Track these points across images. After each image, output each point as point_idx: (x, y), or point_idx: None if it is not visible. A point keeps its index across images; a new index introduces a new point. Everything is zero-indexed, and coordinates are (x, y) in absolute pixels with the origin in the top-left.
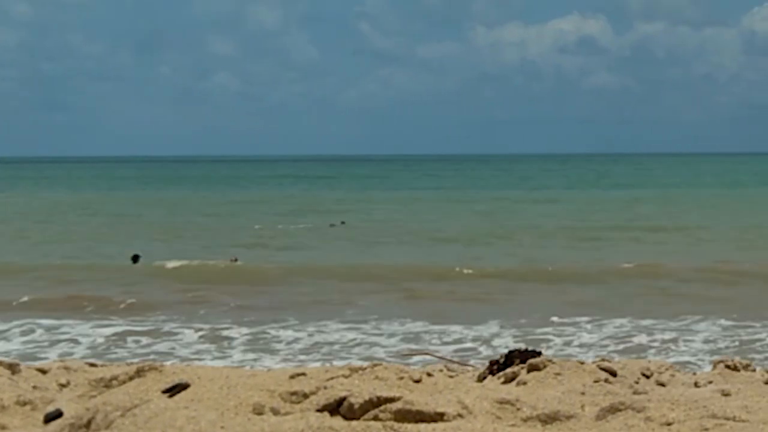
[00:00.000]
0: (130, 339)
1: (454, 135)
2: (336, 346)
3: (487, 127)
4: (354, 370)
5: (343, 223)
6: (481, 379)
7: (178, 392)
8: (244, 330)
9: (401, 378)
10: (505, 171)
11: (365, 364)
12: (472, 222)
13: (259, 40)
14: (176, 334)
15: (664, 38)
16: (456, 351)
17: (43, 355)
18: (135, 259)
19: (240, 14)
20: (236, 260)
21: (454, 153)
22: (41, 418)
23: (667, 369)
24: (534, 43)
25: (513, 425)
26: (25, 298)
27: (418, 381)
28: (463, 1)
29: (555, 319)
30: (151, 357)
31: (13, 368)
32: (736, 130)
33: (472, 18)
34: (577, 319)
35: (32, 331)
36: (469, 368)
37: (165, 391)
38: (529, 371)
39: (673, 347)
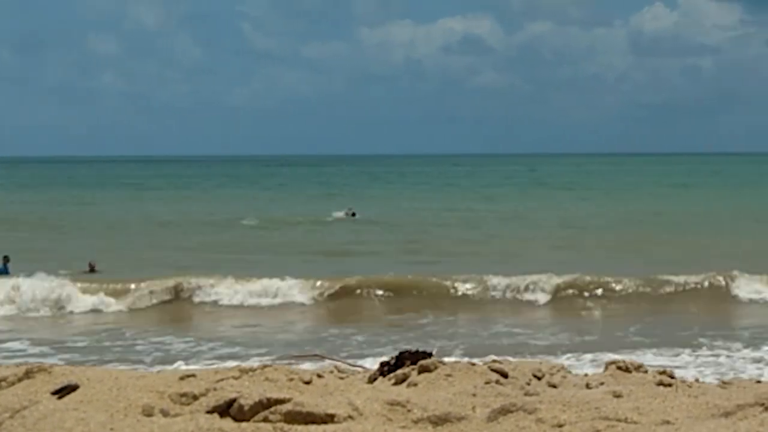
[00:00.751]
0: None
1: (342, 135)
2: None
3: (375, 127)
4: (244, 371)
5: (354, 214)
6: (371, 380)
7: (68, 394)
8: None
9: (291, 379)
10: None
11: (255, 365)
12: None
13: (142, 40)
14: None
15: (552, 38)
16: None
17: None
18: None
19: (122, 13)
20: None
21: (342, 153)
22: None
23: (558, 370)
24: (421, 42)
25: (404, 427)
26: None
27: (308, 382)
28: (347, 1)
29: None
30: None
31: None
32: (625, 130)
33: (357, 18)
34: None
35: None
36: (360, 370)
37: (54, 393)
38: (419, 372)
39: None
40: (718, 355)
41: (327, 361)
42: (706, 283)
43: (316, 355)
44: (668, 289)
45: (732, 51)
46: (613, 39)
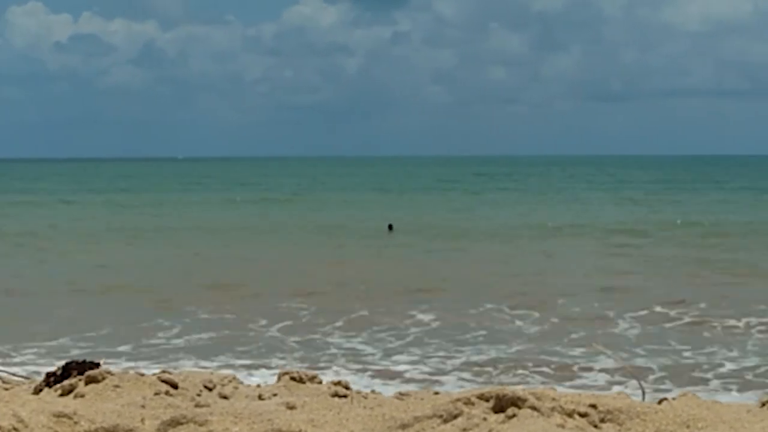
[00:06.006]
0: None
1: None
2: None
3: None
4: None
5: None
6: (37, 391)
7: None
8: None
9: None
10: None
11: None
12: None
13: None
14: None
15: (201, 39)
16: None
17: None
18: None
19: None
20: None
21: None
22: None
23: (230, 381)
24: (43, 41)
25: None
26: None
27: None
28: None
29: None
30: None
31: None
32: (274, 132)
33: None
34: None
35: None
36: (25, 381)
37: None
38: (87, 383)
39: None
40: None
41: None
42: None
43: None
44: None
45: (374, 52)
46: (259, 38)
